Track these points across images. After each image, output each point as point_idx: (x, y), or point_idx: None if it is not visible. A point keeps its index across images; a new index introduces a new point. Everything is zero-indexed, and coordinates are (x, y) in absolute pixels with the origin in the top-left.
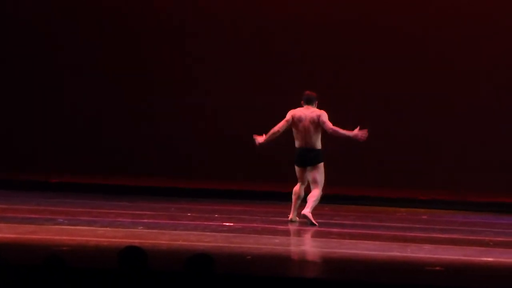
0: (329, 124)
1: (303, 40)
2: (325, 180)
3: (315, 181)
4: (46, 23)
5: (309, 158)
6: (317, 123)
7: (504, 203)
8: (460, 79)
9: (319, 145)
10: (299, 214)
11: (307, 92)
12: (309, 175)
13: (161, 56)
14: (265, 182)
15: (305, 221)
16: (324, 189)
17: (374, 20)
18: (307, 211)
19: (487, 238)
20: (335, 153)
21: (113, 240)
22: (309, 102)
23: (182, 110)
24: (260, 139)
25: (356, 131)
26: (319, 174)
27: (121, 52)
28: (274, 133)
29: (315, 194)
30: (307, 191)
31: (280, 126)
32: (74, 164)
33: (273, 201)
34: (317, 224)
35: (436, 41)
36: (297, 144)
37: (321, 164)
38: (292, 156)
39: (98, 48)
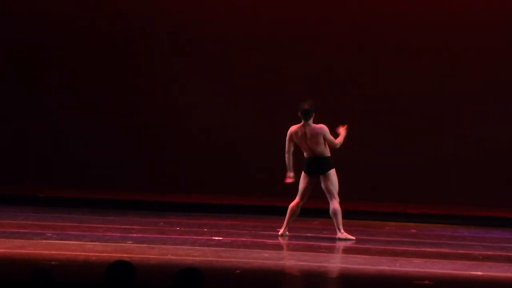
0: (334, 142)
1: (295, 52)
2: (339, 186)
3: (328, 191)
4: (22, 38)
5: (318, 166)
6: (320, 136)
7: (493, 217)
8: (447, 94)
9: (327, 152)
10: (289, 230)
11: (304, 105)
12: (322, 186)
13: (149, 69)
14: (254, 196)
15: (293, 235)
16: (322, 201)
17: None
18: (339, 234)
19: (476, 252)
20: None
21: (102, 254)
22: (306, 117)
23: (170, 124)
24: (289, 174)
25: (342, 131)
26: (331, 183)
27: (109, 66)
28: (289, 156)
29: (334, 209)
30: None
31: (288, 147)
32: (63, 178)
33: (262, 215)
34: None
35: (433, 52)
36: (305, 154)
37: (332, 171)
38: (281, 170)
39: (86, 62)
